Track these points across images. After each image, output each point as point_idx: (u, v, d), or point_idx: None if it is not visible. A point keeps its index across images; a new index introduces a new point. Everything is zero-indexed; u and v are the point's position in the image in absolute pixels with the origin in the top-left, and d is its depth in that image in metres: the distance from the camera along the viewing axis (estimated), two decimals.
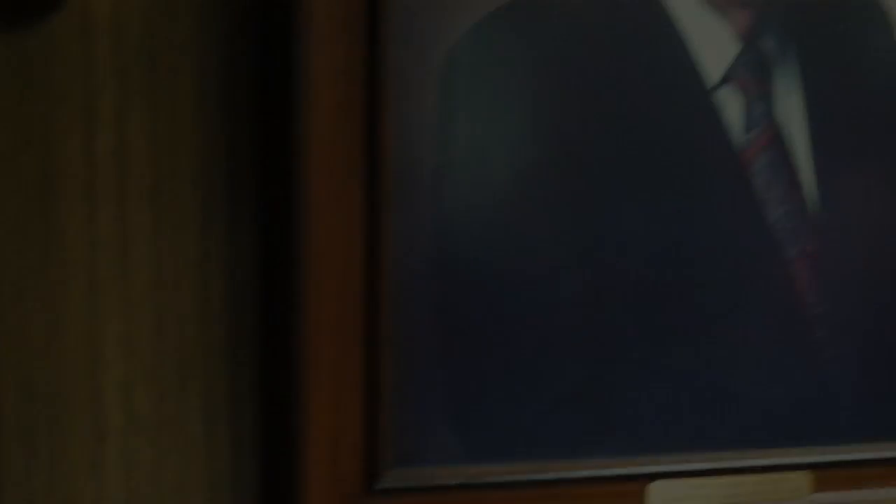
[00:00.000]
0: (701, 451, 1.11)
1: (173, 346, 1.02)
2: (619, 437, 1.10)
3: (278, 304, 1.03)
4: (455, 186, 1.05)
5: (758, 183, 1.12)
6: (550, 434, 1.08)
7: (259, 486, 1.05)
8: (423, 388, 1.03)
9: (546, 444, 1.08)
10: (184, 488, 1.03)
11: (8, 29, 0.94)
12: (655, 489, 1.09)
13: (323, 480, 1.01)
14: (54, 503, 1.00)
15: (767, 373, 1.13)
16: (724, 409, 1.12)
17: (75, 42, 0.97)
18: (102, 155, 0.99)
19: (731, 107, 1.11)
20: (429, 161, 1.04)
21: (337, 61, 0.99)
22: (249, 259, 1.04)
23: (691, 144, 1.10)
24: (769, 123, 1.12)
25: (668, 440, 1.10)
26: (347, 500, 1.02)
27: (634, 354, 1.10)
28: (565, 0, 1.07)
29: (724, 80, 1.11)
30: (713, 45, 1.10)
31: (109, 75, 0.98)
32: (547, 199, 1.07)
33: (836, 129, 1.13)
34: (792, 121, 1.13)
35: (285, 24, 0.99)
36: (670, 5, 1.09)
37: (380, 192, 1.02)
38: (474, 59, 1.04)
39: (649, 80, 1.09)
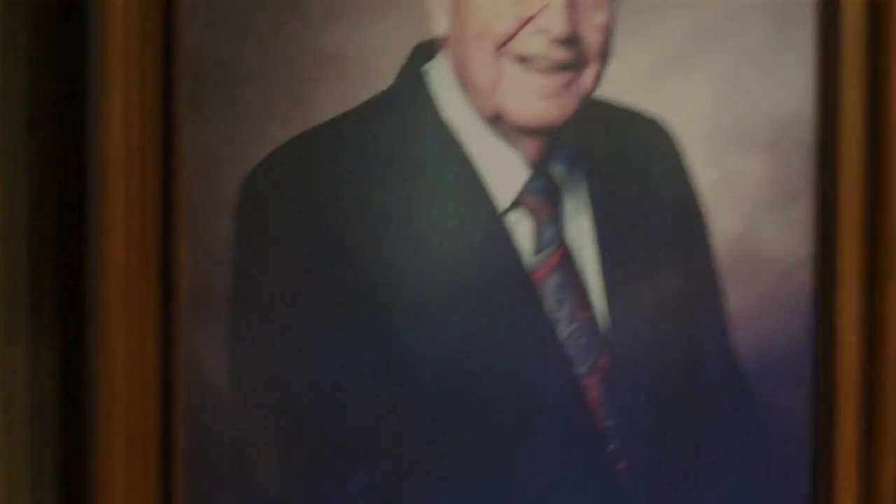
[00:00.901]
0: None
1: None
2: None
3: (77, 419, 1.06)
4: (250, 308, 1.08)
5: (549, 302, 1.17)
6: None
7: None
8: None
9: None
10: None
11: None
12: None
13: None
14: None
15: (562, 485, 1.18)
16: None
17: None
18: None
19: (522, 229, 1.17)
20: (224, 285, 1.07)
21: (132, 190, 1.03)
22: (51, 374, 1.06)
23: (484, 266, 1.16)
24: (559, 245, 1.18)
25: None
26: None
27: (430, 467, 1.14)
28: (358, 128, 1.10)
29: (515, 204, 1.16)
30: (504, 172, 1.16)
31: None
32: (343, 317, 1.11)
33: (624, 248, 1.20)
34: (581, 242, 1.19)
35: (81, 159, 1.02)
36: (461, 134, 1.14)
37: (175, 316, 1.05)
38: (268, 186, 1.08)
39: (442, 205, 1.13)
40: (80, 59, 1.06)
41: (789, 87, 1.22)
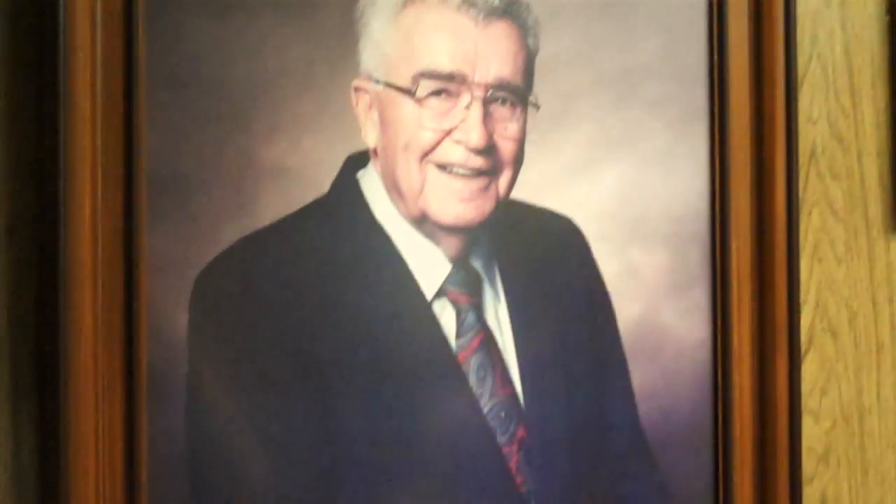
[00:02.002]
0: None
1: None
2: None
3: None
4: (204, 389, 1.24)
5: (472, 379, 1.32)
6: None
7: None
8: None
9: None
10: None
11: None
12: None
13: None
14: None
15: None
16: None
17: None
18: None
19: (447, 316, 1.32)
20: (181, 369, 1.23)
21: (98, 287, 1.21)
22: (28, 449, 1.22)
23: (415, 348, 1.31)
24: (479, 329, 1.33)
25: None
26: None
27: None
28: (298, 230, 1.26)
29: (439, 294, 1.32)
30: (428, 266, 1.31)
31: None
32: (286, 399, 1.26)
33: (538, 332, 1.35)
34: (500, 327, 1.34)
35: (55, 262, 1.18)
36: (391, 233, 1.30)
37: (138, 396, 1.21)
38: (218, 283, 1.24)
39: (375, 295, 1.29)
40: (54, 174, 1.21)
41: (685, 187, 1.38)
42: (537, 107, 1.32)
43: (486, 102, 1.28)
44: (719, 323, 1.39)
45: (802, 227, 1.43)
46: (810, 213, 1.45)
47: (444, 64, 1.28)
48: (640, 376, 1.38)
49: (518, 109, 1.31)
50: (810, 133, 1.45)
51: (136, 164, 1.23)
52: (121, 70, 1.22)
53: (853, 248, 1.46)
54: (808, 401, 1.45)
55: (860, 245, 1.46)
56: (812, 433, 1.45)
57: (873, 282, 1.47)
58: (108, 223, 1.22)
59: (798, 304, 1.38)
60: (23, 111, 1.25)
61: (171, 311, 1.24)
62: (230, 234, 1.27)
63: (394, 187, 1.29)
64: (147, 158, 1.24)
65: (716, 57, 1.37)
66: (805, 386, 1.44)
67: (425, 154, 1.29)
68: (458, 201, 1.30)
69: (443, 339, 1.31)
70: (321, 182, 1.29)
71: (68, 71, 1.19)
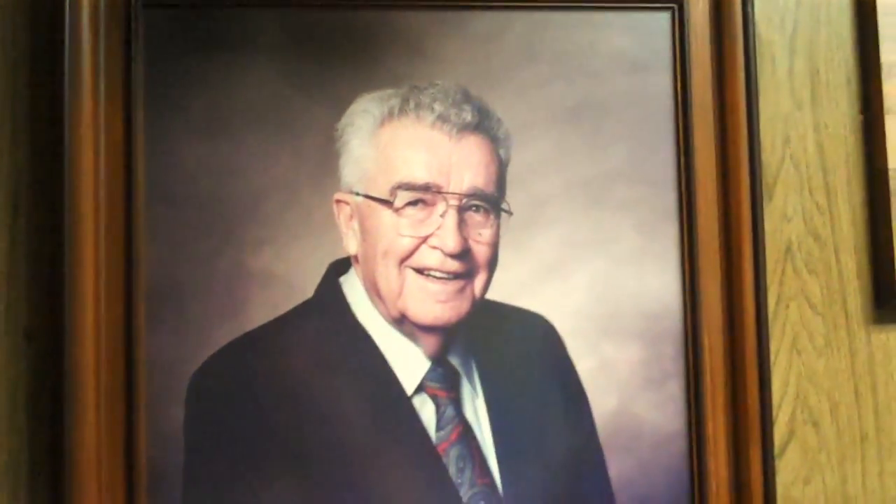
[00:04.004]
0: None
1: None
2: None
3: None
4: (199, 478, 1.35)
5: (452, 469, 1.41)
6: None
7: None
8: None
9: None
10: None
11: None
12: None
13: None
14: None
15: None
16: None
17: None
18: None
19: (427, 410, 1.41)
20: (178, 461, 1.35)
21: (101, 387, 1.34)
22: None
23: (396, 439, 1.40)
24: (458, 422, 1.41)
25: None
26: None
27: None
28: (284, 331, 1.38)
29: (419, 389, 1.41)
30: (408, 363, 1.41)
31: None
32: (275, 488, 1.37)
33: (515, 424, 1.43)
34: (478, 420, 1.42)
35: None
36: (372, 332, 1.40)
37: (137, 486, 1.33)
38: (210, 381, 1.36)
39: (358, 391, 1.39)
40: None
41: (657, 285, 1.45)
42: (510, 213, 1.41)
43: (461, 210, 1.38)
44: (694, 415, 1.45)
45: (780, 320, 1.49)
46: (788, 307, 1.50)
47: (421, 176, 1.38)
48: (618, 466, 1.44)
49: (491, 216, 1.40)
50: (786, 230, 1.51)
51: (135, 273, 1.36)
52: (122, 188, 1.36)
53: (833, 341, 1.51)
54: (791, 490, 1.49)
55: (840, 337, 1.51)
56: None
57: (855, 373, 1.51)
58: (110, 327, 1.35)
59: (770, 396, 1.43)
60: (37, 228, 1.39)
61: (168, 406, 1.36)
62: (222, 335, 1.38)
63: (374, 290, 1.39)
64: (146, 268, 1.36)
65: (683, 161, 1.45)
66: (787, 476, 1.48)
67: (403, 259, 1.39)
68: (435, 302, 1.39)
69: (423, 432, 1.40)
70: (306, 287, 1.39)
71: (74, 191, 1.33)
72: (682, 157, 1.45)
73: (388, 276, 1.39)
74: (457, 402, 1.42)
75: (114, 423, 1.35)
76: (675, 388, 1.44)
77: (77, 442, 1.32)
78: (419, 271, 1.39)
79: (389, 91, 1.40)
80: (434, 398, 1.41)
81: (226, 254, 1.39)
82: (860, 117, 1.53)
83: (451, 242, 1.38)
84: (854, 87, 1.53)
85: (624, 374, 1.44)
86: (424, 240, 1.39)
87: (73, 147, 1.34)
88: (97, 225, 1.35)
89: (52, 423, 1.37)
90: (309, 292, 1.40)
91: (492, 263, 1.42)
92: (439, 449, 1.40)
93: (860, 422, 1.51)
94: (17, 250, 1.38)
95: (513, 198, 1.42)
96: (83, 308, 1.34)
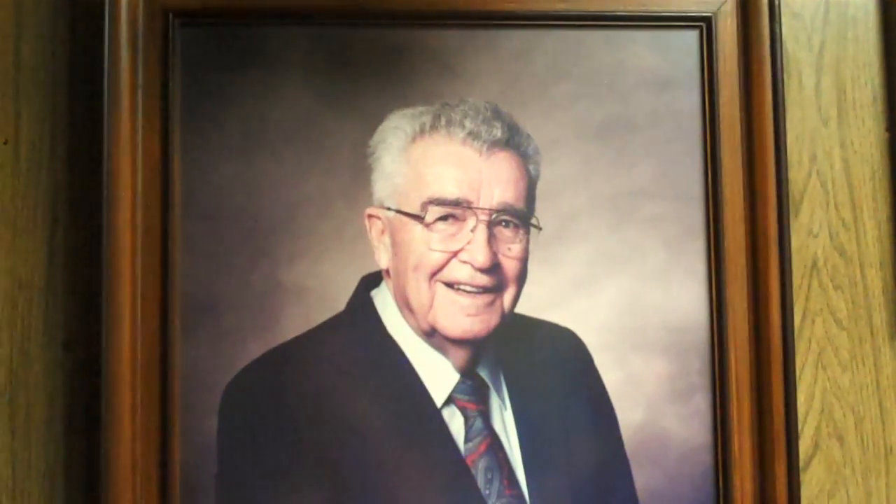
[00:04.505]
0: None
1: None
2: None
3: None
4: (232, 487, 1.38)
5: (480, 481, 1.43)
6: None
7: None
8: None
9: None
10: None
11: None
12: None
13: None
14: None
15: None
16: None
17: None
18: None
19: (456, 422, 1.43)
20: (211, 470, 1.38)
21: (137, 396, 1.36)
22: None
23: (425, 451, 1.42)
24: (487, 434, 1.43)
25: None
26: None
27: None
28: (317, 344, 1.40)
29: (448, 401, 1.43)
30: (438, 375, 1.43)
31: None
32: (305, 496, 1.39)
33: (543, 437, 1.45)
34: (506, 432, 1.44)
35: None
36: (402, 345, 1.43)
37: (172, 494, 1.36)
38: (244, 392, 1.39)
39: (388, 403, 1.41)
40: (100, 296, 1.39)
41: (684, 301, 1.47)
42: (539, 228, 1.43)
43: (491, 225, 1.40)
44: (719, 429, 1.46)
45: (806, 335, 1.51)
46: (813, 322, 1.51)
47: (451, 191, 1.40)
48: (645, 478, 1.46)
49: (521, 231, 1.42)
50: (811, 246, 1.52)
51: (171, 285, 1.39)
52: (158, 203, 1.38)
53: (858, 356, 1.52)
54: None
55: (865, 352, 1.52)
56: None
57: (879, 387, 1.52)
58: (146, 338, 1.38)
59: (795, 410, 1.44)
60: (75, 241, 1.43)
61: (202, 416, 1.38)
62: (256, 347, 1.41)
63: (405, 304, 1.42)
64: (181, 281, 1.39)
65: (710, 178, 1.46)
66: (812, 489, 1.50)
67: (434, 273, 1.41)
68: (465, 316, 1.41)
69: (452, 443, 1.42)
70: (338, 300, 1.42)
71: (112, 205, 1.37)
72: (710, 173, 1.47)
73: (418, 289, 1.41)
74: (485, 415, 1.44)
75: (149, 433, 1.37)
76: (701, 402, 1.46)
77: (113, 451, 1.35)
78: (449, 285, 1.41)
79: (421, 108, 1.43)
80: (463, 410, 1.43)
81: (259, 267, 1.41)
82: (886, 135, 1.54)
83: (481, 257, 1.40)
84: (880, 105, 1.54)
85: (651, 387, 1.45)
86: (455, 254, 1.41)
87: (112, 162, 1.37)
88: (134, 238, 1.37)
89: (89, 433, 1.39)
90: (341, 305, 1.43)
91: (521, 278, 1.43)
92: (468, 460, 1.42)
93: (885, 436, 1.53)
94: (55, 264, 1.40)
95: (542, 213, 1.44)
96: (120, 320, 1.36)
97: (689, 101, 1.47)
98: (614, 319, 1.45)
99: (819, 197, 1.53)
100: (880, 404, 1.52)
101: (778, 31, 1.46)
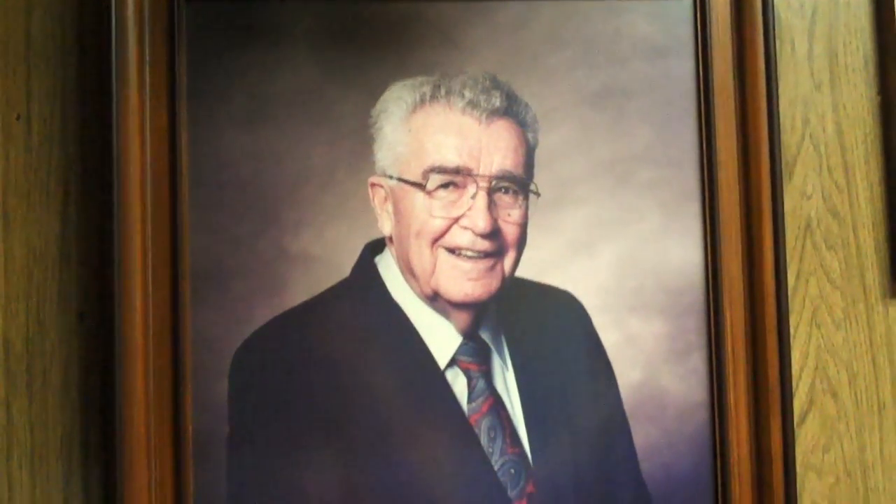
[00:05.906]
0: None
1: None
2: None
3: None
4: (243, 449, 1.43)
5: (484, 439, 1.47)
6: None
7: None
8: None
9: None
10: None
11: None
12: None
13: None
14: None
15: None
16: None
17: None
18: None
19: (459, 383, 1.47)
20: (222, 433, 1.42)
21: (149, 360, 1.41)
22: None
23: (430, 411, 1.46)
24: (489, 394, 1.48)
25: None
26: None
27: None
28: (323, 309, 1.44)
29: (451, 363, 1.47)
30: (441, 338, 1.47)
31: None
32: (314, 456, 1.44)
33: (544, 396, 1.49)
34: (508, 392, 1.49)
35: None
36: (406, 310, 1.47)
37: (185, 455, 1.41)
38: (253, 356, 1.43)
39: (393, 365, 1.46)
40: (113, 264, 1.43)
41: (680, 262, 1.50)
42: (538, 194, 1.47)
43: (491, 192, 1.44)
44: (716, 386, 1.50)
45: (800, 295, 1.54)
46: (807, 282, 1.55)
47: (452, 160, 1.44)
48: (643, 436, 1.50)
49: (520, 197, 1.46)
50: (805, 208, 1.56)
51: (181, 255, 1.43)
52: (167, 175, 1.43)
53: (851, 314, 1.56)
54: (811, 457, 1.55)
55: (858, 311, 1.56)
56: (816, 488, 1.55)
57: (873, 345, 1.56)
58: (158, 306, 1.42)
59: (790, 368, 1.48)
60: (87, 213, 1.47)
61: (213, 381, 1.43)
62: (264, 313, 1.45)
63: (408, 269, 1.46)
64: (191, 250, 1.43)
65: (705, 142, 1.50)
66: (807, 443, 1.54)
67: (436, 239, 1.45)
68: (466, 280, 1.45)
69: (455, 404, 1.46)
70: (343, 267, 1.46)
71: (122, 178, 1.41)
72: (704, 138, 1.50)
73: (421, 255, 1.45)
74: (488, 376, 1.47)
75: (162, 397, 1.42)
76: (697, 361, 1.49)
77: (127, 415, 1.40)
78: (451, 251, 1.44)
79: (421, 79, 1.46)
80: (466, 371, 1.47)
81: (266, 236, 1.45)
82: (877, 98, 1.57)
83: (482, 223, 1.44)
84: (871, 69, 1.57)
85: (648, 347, 1.49)
86: (456, 220, 1.45)
87: (121, 136, 1.40)
88: (144, 210, 1.42)
89: (104, 398, 1.44)
90: (346, 272, 1.46)
91: (521, 243, 1.47)
92: (471, 420, 1.46)
93: (878, 392, 1.56)
94: (69, 235, 1.45)
95: (541, 179, 1.47)
96: (132, 289, 1.41)
97: (684, 68, 1.51)
98: (612, 282, 1.49)
99: (812, 160, 1.56)
100: (873, 361, 1.56)
101: None
